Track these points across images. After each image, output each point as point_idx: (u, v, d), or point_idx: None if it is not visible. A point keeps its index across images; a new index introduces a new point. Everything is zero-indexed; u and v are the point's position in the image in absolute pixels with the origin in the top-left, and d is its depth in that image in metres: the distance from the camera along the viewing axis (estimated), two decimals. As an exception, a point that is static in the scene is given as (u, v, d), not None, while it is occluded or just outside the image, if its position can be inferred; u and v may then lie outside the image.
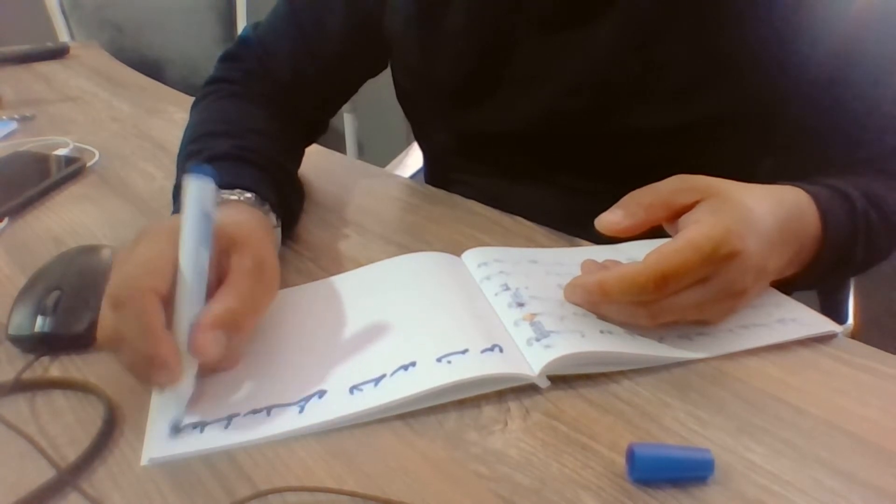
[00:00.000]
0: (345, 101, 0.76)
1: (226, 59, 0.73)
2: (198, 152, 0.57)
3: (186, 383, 0.38)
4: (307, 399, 0.39)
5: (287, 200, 0.58)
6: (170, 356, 0.36)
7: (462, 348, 0.41)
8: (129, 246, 0.40)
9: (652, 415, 0.38)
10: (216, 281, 0.41)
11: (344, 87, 0.75)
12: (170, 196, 0.64)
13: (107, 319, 0.38)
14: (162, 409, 0.38)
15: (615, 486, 0.34)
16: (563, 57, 0.61)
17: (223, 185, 0.50)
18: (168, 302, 0.38)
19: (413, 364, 0.40)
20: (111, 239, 0.59)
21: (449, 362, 0.40)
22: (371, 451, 0.36)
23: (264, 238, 0.46)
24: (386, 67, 0.75)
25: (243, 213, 0.48)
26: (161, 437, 0.37)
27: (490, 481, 0.34)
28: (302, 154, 0.70)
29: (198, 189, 0.39)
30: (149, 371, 0.36)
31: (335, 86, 0.74)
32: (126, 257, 0.40)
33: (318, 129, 0.75)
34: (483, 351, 0.41)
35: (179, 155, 0.61)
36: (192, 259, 0.38)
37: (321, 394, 0.39)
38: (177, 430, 0.37)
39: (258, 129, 0.62)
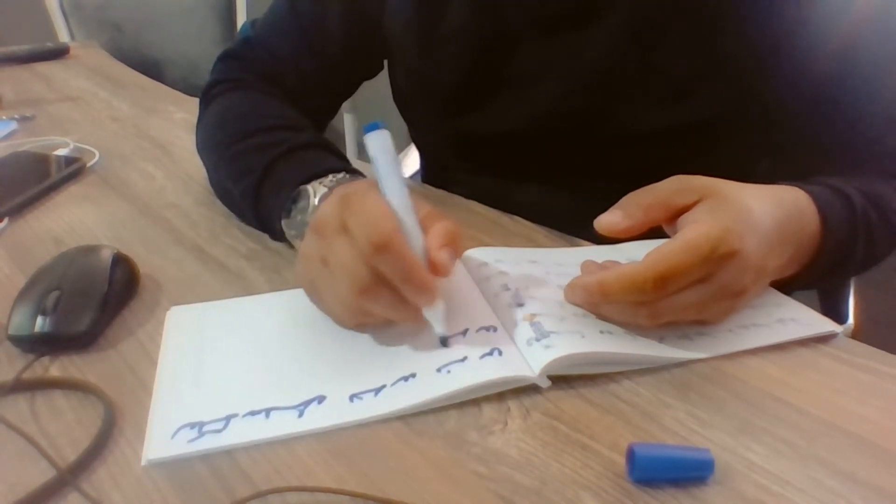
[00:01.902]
0: (342, 102, 0.77)
1: (229, 58, 0.73)
2: (275, 144, 0.58)
3: (441, 302, 0.42)
4: (307, 404, 0.39)
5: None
6: (431, 280, 0.41)
7: (461, 356, 0.41)
8: (335, 214, 0.42)
9: (652, 415, 0.38)
10: None
11: (344, 88, 0.76)
12: (170, 196, 0.64)
13: (362, 273, 0.40)
14: (435, 319, 0.42)
15: (615, 486, 0.34)
16: (562, 58, 0.61)
17: (331, 170, 0.54)
18: None
19: (413, 375, 0.41)
20: (111, 239, 0.59)
21: (448, 372, 0.40)
22: (371, 451, 0.36)
23: None
24: (382, 69, 0.75)
25: (362, 182, 0.51)
26: (162, 437, 0.37)
27: (490, 481, 0.34)
28: None
29: (380, 139, 0.44)
30: (412, 301, 0.41)
31: (336, 86, 0.74)
32: (346, 220, 0.41)
33: (320, 129, 0.75)
34: (482, 357, 0.41)
35: (237, 147, 0.61)
36: (403, 199, 0.43)
37: (321, 399, 0.39)
38: (445, 343, 0.42)
39: (304, 123, 0.65)
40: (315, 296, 0.45)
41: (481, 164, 0.71)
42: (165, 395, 0.40)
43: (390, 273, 0.39)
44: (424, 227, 0.43)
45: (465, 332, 0.43)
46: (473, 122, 0.67)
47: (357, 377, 0.41)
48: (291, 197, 0.53)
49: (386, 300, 0.41)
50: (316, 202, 0.51)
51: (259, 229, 0.59)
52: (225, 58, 0.74)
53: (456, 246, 0.43)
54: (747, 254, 0.42)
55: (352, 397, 0.40)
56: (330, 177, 0.53)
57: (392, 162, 0.43)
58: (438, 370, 0.41)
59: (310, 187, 0.52)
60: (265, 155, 0.57)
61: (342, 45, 0.69)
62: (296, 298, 0.49)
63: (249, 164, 0.58)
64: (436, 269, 0.41)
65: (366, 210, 0.40)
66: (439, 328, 0.42)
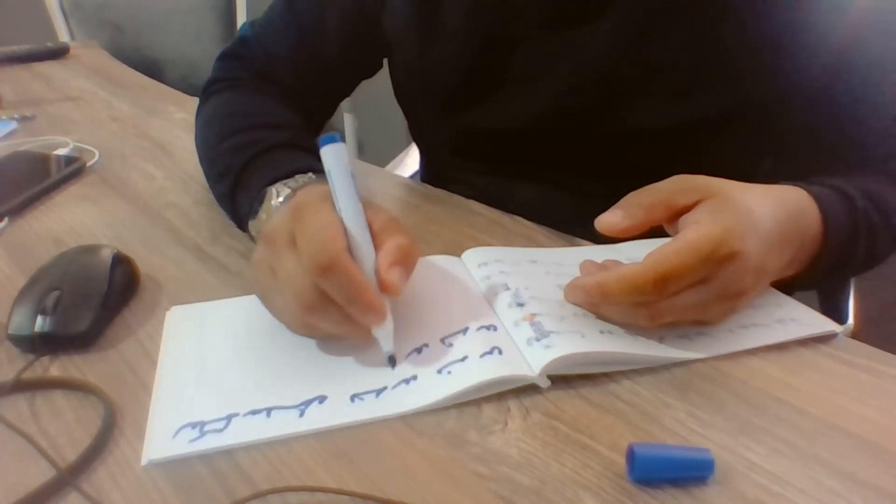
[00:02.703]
0: (340, 101, 0.77)
1: (227, 57, 0.74)
2: (251, 144, 0.58)
3: (389, 320, 0.41)
4: (307, 403, 0.39)
5: None
6: (378, 301, 0.40)
7: (461, 356, 0.41)
8: (286, 226, 0.41)
9: (652, 415, 0.38)
10: None
11: (342, 88, 0.76)
12: (170, 196, 0.64)
13: (308, 290, 0.39)
14: (383, 337, 0.41)
15: (615, 486, 0.34)
16: (563, 56, 0.61)
17: (298, 171, 0.54)
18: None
19: (414, 378, 0.41)
20: (111, 239, 0.59)
21: (449, 372, 0.40)
22: (371, 451, 0.36)
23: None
24: (381, 68, 0.75)
25: (318, 193, 0.50)
26: (163, 437, 0.37)
27: (490, 481, 0.34)
28: None
29: (336, 152, 0.43)
30: (359, 320, 0.40)
31: (334, 86, 0.74)
32: (295, 234, 0.40)
33: (318, 128, 0.75)
34: (482, 355, 0.41)
35: (220, 147, 0.61)
36: (356, 215, 0.42)
37: (321, 399, 0.39)
38: (393, 362, 0.42)
39: (293, 121, 0.65)
40: (266, 303, 0.44)
41: (482, 163, 0.71)
42: (166, 395, 0.40)
43: (335, 294, 0.39)
44: (379, 241, 0.42)
45: (465, 331, 0.43)
46: (474, 119, 0.67)
47: (358, 377, 0.41)
48: (258, 198, 0.53)
49: (332, 318, 0.40)
50: (279, 202, 0.51)
51: (242, 230, 0.59)
52: (223, 57, 0.74)
53: (409, 262, 0.42)
54: (748, 255, 0.42)
55: (353, 397, 0.40)
56: (296, 177, 0.53)
57: (346, 175, 0.42)
58: (439, 371, 0.41)
59: (273, 189, 0.52)
60: (239, 157, 0.58)
61: (340, 44, 0.69)
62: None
63: (226, 165, 0.59)
64: (385, 288, 0.41)
65: (315, 227, 0.40)
66: (387, 347, 0.42)
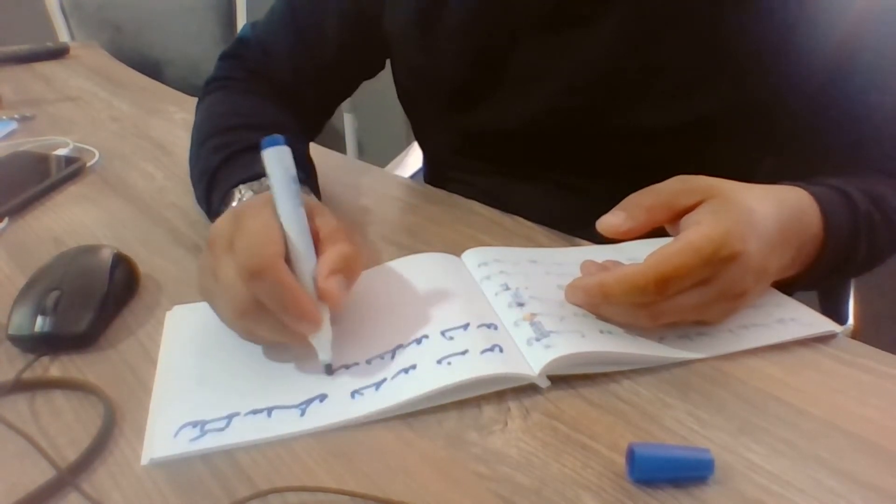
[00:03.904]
0: (341, 102, 0.77)
1: (226, 57, 0.74)
2: (226, 145, 0.58)
3: (326, 329, 0.41)
4: (308, 402, 0.39)
5: (316, 188, 0.60)
6: (312, 309, 0.39)
7: (462, 349, 0.41)
8: (227, 228, 0.41)
9: (652, 415, 0.38)
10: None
11: (342, 88, 0.76)
12: (170, 196, 0.64)
13: (240, 295, 0.39)
14: (320, 345, 0.41)
15: (615, 486, 0.34)
16: (563, 56, 0.61)
17: (253, 176, 0.53)
18: (288, 264, 0.40)
19: (413, 367, 0.41)
20: (111, 239, 0.59)
21: (449, 364, 0.40)
22: (371, 451, 0.36)
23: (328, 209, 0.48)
24: (382, 69, 0.75)
25: (261, 198, 0.49)
26: (164, 436, 0.37)
27: (490, 481, 0.34)
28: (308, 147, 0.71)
29: (278, 155, 0.42)
30: (293, 328, 0.39)
31: (333, 86, 0.74)
32: (233, 237, 0.40)
33: (317, 128, 0.75)
34: (483, 351, 0.41)
35: (202, 148, 0.61)
36: (296, 220, 0.41)
37: (322, 398, 0.39)
38: (329, 370, 0.41)
39: (280, 122, 0.65)
40: (212, 307, 0.43)
41: (484, 163, 0.71)
42: (167, 395, 0.40)
43: (266, 300, 0.38)
44: (323, 249, 0.42)
45: (465, 327, 0.43)
46: (475, 119, 0.67)
47: (357, 373, 0.41)
48: (225, 200, 0.53)
49: (267, 324, 0.40)
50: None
51: None
52: (223, 57, 0.75)
53: (351, 271, 0.42)
54: (749, 256, 0.42)
55: (353, 393, 0.40)
56: (262, 179, 0.53)
57: (288, 180, 0.42)
58: (439, 362, 0.40)
59: (237, 190, 0.52)
60: (215, 158, 0.58)
61: (339, 45, 0.69)
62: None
63: (204, 167, 0.59)
64: (322, 296, 0.40)
65: (252, 232, 0.40)
66: (323, 356, 0.41)
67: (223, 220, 0.42)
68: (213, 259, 0.41)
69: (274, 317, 0.39)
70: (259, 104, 0.68)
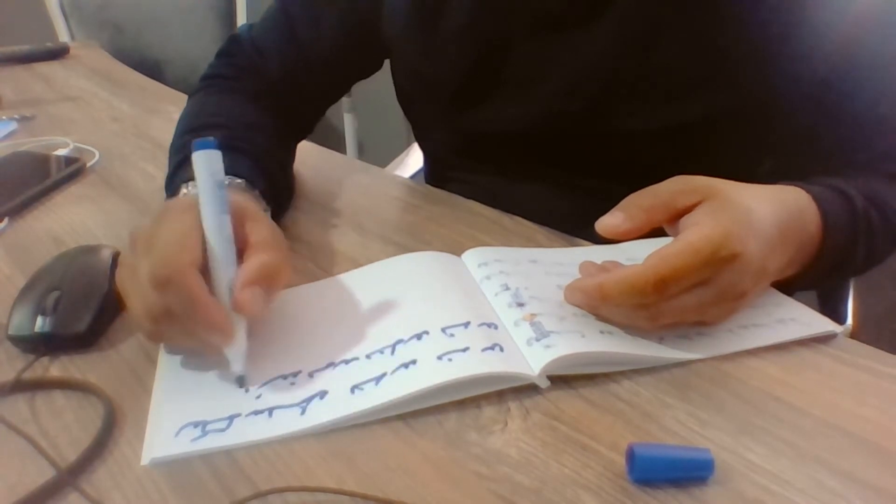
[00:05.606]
0: (334, 101, 0.77)
1: (218, 55, 0.75)
2: (186, 146, 0.57)
3: (240, 341, 0.40)
4: (309, 400, 0.39)
5: (275, 191, 0.59)
6: (222, 320, 0.38)
7: (463, 346, 0.41)
8: (149, 229, 0.41)
9: (652, 415, 0.38)
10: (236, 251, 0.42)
11: (334, 88, 0.75)
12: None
13: (151, 300, 0.38)
14: (233, 357, 0.40)
15: (615, 486, 0.34)
16: (562, 57, 0.61)
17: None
18: (204, 272, 0.40)
19: (414, 362, 0.40)
20: (111, 239, 0.59)
21: (450, 360, 0.40)
22: (371, 451, 0.36)
23: (266, 215, 0.48)
24: (379, 69, 0.75)
25: (239, 195, 0.49)
26: (165, 436, 0.37)
27: (490, 481, 0.34)
28: (294, 149, 0.71)
29: (206, 159, 0.41)
30: (203, 338, 0.39)
31: (325, 85, 0.74)
32: (151, 239, 0.40)
33: (308, 127, 0.75)
34: (484, 350, 0.41)
35: (172, 146, 0.62)
36: (217, 227, 0.40)
37: (322, 394, 0.39)
38: (242, 383, 0.40)
39: (250, 122, 0.64)
40: (126, 304, 0.43)
41: (483, 163, 0.71)
42: (167, 395, 0.40)
43: (176, 308, 0.38)
44: (248, 257, 0.41)
45: (466, 325, 0.43)
46: (475, 120, 0.67)
47: (357, 369, 0.41)
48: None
49: (177, 330, 0.39)
50: None
51: None
52: (217, 55, 0.75)
53: (272, 282, 0.41)
54: (748, 256, 0.42)
55: (353, 389, 0.39)
56: (228, 178, 0.52)
57: (214, 185, 0.41)
58: (440, 358, 0.40)
59: (183, 187, 0.52)
60: (176, 157, 0.58)
61: (334, 46, 0.69)
62: (294, 296, 0.49)
63: (170, 167, 0.59)
64: (237, 307, 0.39)
65: (167, 238, 0.39)
66: (236, 368, 0.40)
67: (151, 219, 0.42)
68: (133, 258, 0.41)
69: (184, 325, 0.39)
70: (236, 104, 0.67)
